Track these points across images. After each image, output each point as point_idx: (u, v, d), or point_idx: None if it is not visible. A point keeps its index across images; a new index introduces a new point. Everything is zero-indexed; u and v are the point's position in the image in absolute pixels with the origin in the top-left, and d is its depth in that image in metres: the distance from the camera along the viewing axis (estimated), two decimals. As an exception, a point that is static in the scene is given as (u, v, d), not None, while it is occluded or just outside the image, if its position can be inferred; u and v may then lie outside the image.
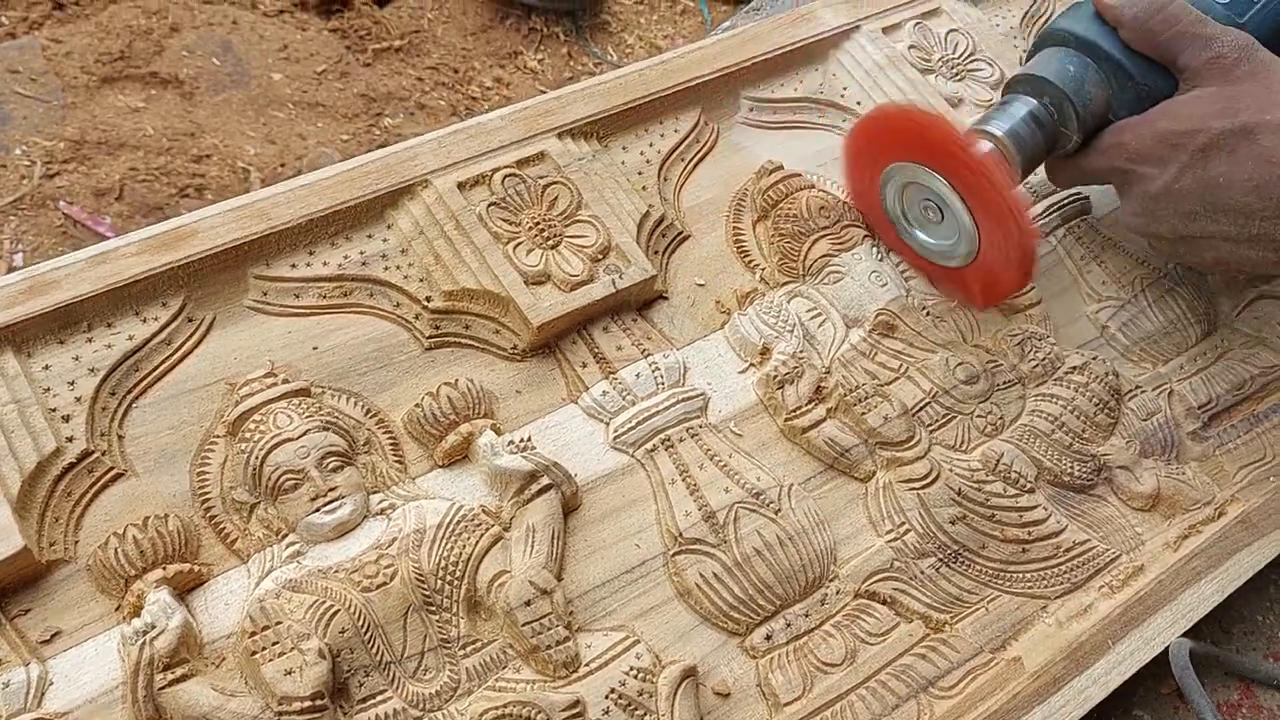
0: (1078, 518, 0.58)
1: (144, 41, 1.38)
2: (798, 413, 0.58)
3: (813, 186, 0.65)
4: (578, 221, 0.60)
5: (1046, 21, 0.77)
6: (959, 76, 0.72)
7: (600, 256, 0.59)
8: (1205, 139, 0.55)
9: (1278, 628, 0.61)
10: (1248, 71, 0.56)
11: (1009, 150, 0.58)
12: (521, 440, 0.54)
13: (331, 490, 0.49)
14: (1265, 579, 0.62)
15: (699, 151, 0.66)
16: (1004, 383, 0.61)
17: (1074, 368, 0.62)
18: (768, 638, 0.52)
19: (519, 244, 0.58)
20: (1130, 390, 0.63)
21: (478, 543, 0.50)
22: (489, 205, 0.59)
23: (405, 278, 0.56)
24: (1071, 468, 0.59)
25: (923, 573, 0.55)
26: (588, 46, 1.21)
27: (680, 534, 0.53)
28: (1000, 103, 0.61)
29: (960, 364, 0.60)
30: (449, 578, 0.48)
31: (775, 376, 0.58)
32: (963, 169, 0.56)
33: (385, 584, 0.47)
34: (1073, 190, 0.70)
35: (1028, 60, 0.63)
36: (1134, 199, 0.59)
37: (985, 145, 0.58)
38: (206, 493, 0.50)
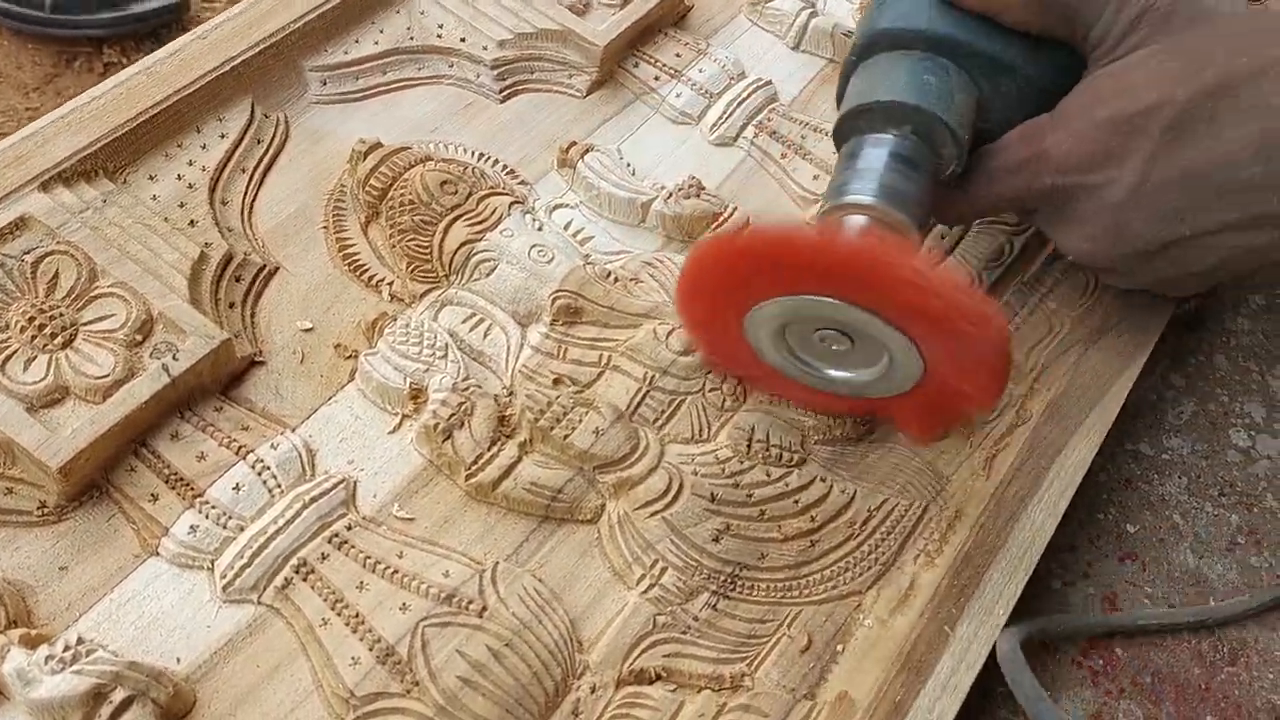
0: (864, 476, 0.46)
1: None
2: (480, 463, 0.42)
3: (429, 159, 0.49)
4: (95, 299, 0.42)
5: None
6: (579, -23, 0.57)
7: (140, 338, 0.41)
8: (1173, 112, 0.41)
9: (1123, 520, 0.51)
10: (1187, 19, 0.43)
11: (893, 217, 0.41)
12: (70, 645, 0.36)
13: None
14: (1090, 468, 0.52)
15: (265, 154, 0.49)
16: (732, 336, 0.48)
17: (809, 292, 0.49)
18: (514, 794, 0.37)
19: (9, 356, 0.40)
20: (882, 297, 0.51)
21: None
22: (-52, 314, 0.40)
23: None
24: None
25: (697, 618, 0.41)
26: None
27: (352, 693, 0.37)
28: (846, 155, 0.44)
29: (672, 332, 0.47)
30: None
31: (437, 424, 0.42)
32: (852, 280, 0.38)
33: None
34: (752, 79, 0.58)
35: (848, 80, 0.46)
36: (1087, 219, 0.44)
37: (854, 223, 0.41)
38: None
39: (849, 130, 0.45)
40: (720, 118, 0.56)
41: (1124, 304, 0.52)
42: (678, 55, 0.58)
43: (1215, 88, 0.41)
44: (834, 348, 0.41)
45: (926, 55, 0.44)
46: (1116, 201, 0.43)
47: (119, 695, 0.35)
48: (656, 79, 0.57)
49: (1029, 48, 0.45)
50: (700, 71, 0.57)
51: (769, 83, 0.58)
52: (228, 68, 0.49)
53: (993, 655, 0.43)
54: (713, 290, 0.41)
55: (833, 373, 0.43)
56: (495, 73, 0.54)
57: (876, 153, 0.43)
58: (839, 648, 0.41)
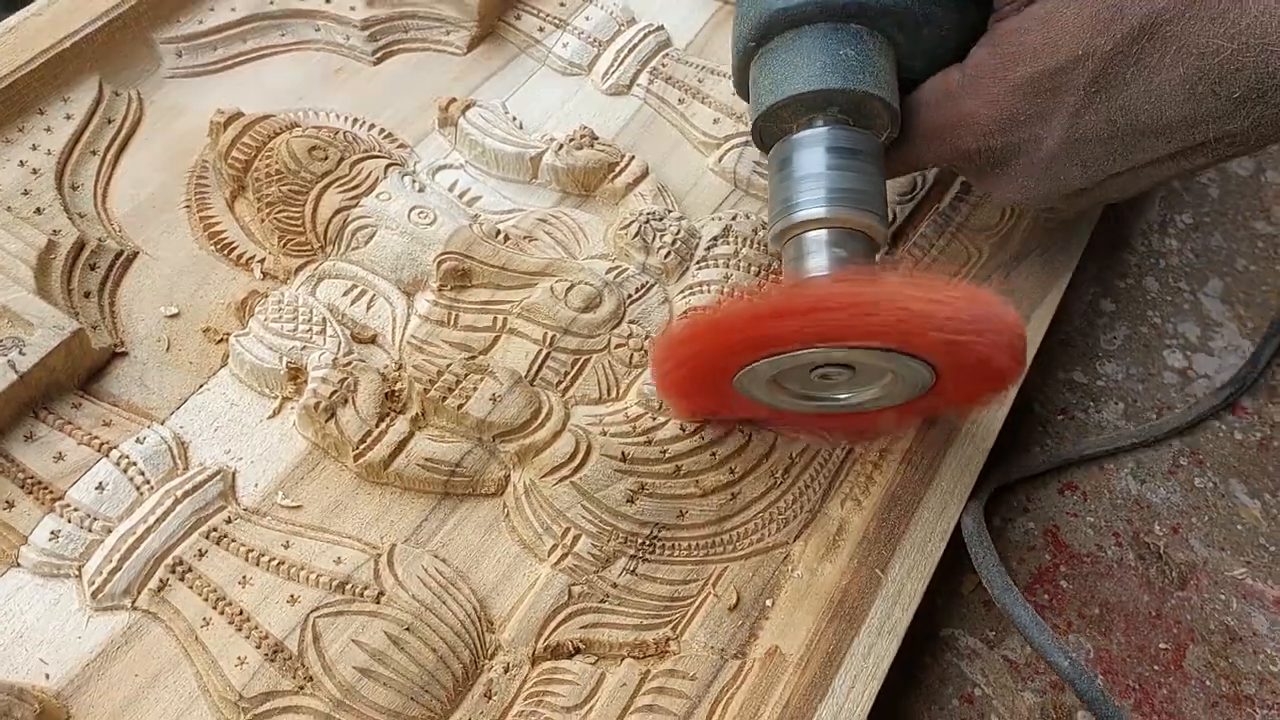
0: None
1: None
2: (368, 442, 0.41)
3: (295, 125, 0.48)
4: (-72, 295, 0.40)
5: None
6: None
7: (-19, 334, 0.39)
8: (1097, 64, 0.39)
9: (1068, 429, 0.51)
10: None
11: (854, 220, 0.39)
12: (-81, 671, 0.34)
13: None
14: (1025, 400, 0.51)
15: (117, 133, 0.47)
16: (637, 290, 0.47)
17: (714, 238, 0.48)
18: (425, 787, 0.35)
19: None
20: (793, 239, 0.51)
21: None
22: None
23: None
24: (757, 363, 0.46)
25: (616, 585, 0.40)
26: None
27: (240, 695, 0.35)
28: (778, 161, 0.42)
29: (571, 288, 0.45)
30: None
31: (319, 403, 0.41)
32: (837, 330, 0.35)
33: None
34: (642, 25, 0.57)
35: (746, 69, 0.43)
36: (1017, 174, 0.43)
37: (819, 264, 0.40)
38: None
39: (772, 129, 0.42)
40: (611, 66, 0.55)
41: (1042, 227, 0.52)
42: (562, 4, 0.56)
43: (1139, 30, 0.39)
44: (835, 378, 0.39)
45: (836, 25, 0.41)
46: (1046, 156, 0.42)
47: (-25, 719, 0.33)
48: (541, 30, 0.55)
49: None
50: (587, 19, 0.56)
51: (660, 27, 0.57)
52: (69, 44, 0.47)
53: (929, 597, 0.42)
54: (692, 371, 0.40)
55: (841, 398, 0.41)
56: (366, 34, 0.53)
57: (809, 151, 0.41)
58: (768, 602, 0.41)
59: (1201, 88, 0.38)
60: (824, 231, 0.40)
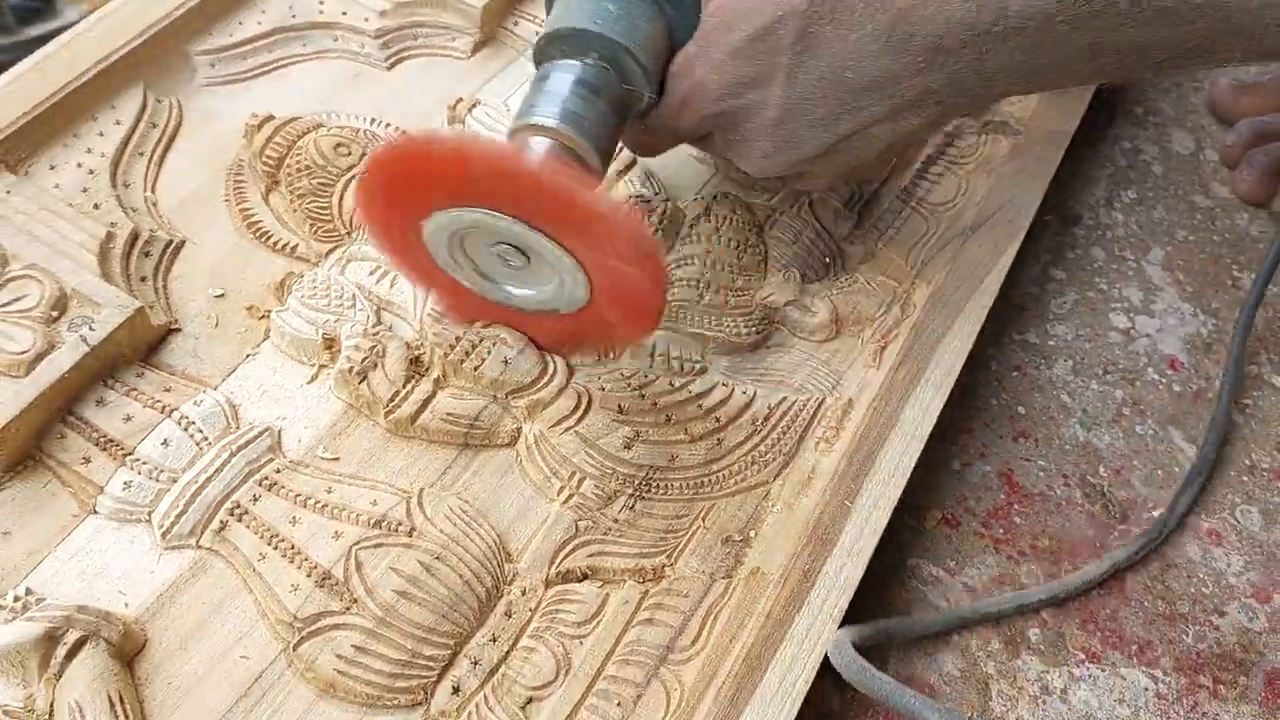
0: (763, 378, 0.51)
1: None
2: (397, 401, 0.47)
3: (320, 126, 0.53)
4: (9, 282, 0.46)
5: None
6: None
7: (56, 314, 0.45)
8: (796, 23, 0.42)
9: (1015, 403, 0.57)
10: None
11: (573, 140, 0.44)
12: (20, 596, 0.39)
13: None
14: (982, 358, 0.57)
15: (161, 137, 0.53)
16: (629, 265, 0.52)
17: (697, 217, 0.54)
18: (456, 690, 0.41)
19: (-70, 341, 0.43)
20: (769, 217, 0.56)
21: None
22: None
23: None
24: (738, 327, 0.51)
25: (617, 520, 0.46)
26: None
27: (294, 617, 0.41)
28: (537, 78, 0.46)
29: (571, 263, 0.51)
30: None
31: (352, 369, 0.47)
32: (520, 195, 0.40)
33: None
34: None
35: (548, 6, 0.49)
36: (755, 139, 0.47)
37: (538, 145, 0.44)
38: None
39: (545, 55, 0.47)
40: (602, 66, 0.61)
41: (994, 201, 0.58)
42: (555, 11, 0.62)
43: None
44: (510, 262, 0.44)
45: None
46: (774, 118, 0.45)
47: (72, 636, 0.38)
48: (537, 35, 0.61)
49: None
50: (578, 25, 0.62)
51: (646, 30, 0.63)
52: (116, 58, 0.53)
53: (898, 532, 0.48)
54: (390, 192, 0.42)
55: (511, 289, 0.46)
56: (379, 42, 0.59)
57: (563, 77, 0.45)
58: (751, 533, 0.46)
59: (894, 41, 0.41)
60: (548, 140, 0.44)
